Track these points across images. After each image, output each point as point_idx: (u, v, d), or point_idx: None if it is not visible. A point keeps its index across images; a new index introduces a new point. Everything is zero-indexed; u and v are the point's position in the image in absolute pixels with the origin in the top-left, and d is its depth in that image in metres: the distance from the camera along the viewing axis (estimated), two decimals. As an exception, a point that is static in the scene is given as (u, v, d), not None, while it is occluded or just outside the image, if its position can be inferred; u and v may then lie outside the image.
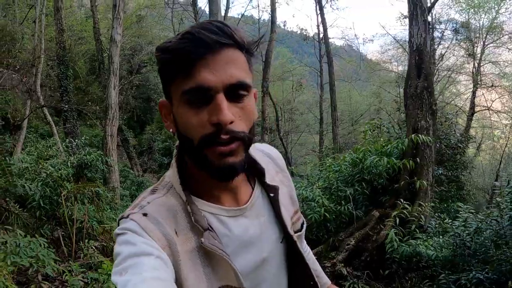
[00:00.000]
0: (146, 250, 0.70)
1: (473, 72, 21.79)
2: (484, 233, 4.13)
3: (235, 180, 0.80)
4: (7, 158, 4.55)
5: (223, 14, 16.72)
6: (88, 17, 22.37)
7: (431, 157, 5.96)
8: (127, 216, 0.77)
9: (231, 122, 0.71)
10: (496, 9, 21.25)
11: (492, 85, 21.37)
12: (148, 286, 0.64)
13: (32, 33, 17.19)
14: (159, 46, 0.75)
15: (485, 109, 21.74)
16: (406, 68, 24.75)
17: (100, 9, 21.97)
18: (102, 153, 6.62)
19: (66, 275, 3.72)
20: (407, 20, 20.18)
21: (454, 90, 25.30)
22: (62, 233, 4.39)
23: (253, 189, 0.91)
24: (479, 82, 21.30)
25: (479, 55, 21.80)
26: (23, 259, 3.39)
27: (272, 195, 0.92)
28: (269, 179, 0.93)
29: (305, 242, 1.11)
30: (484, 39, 22.01)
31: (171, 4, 23.24)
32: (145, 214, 0.77)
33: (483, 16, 21.93)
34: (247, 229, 0.84)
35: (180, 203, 0.81)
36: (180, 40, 0.71)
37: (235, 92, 0.73)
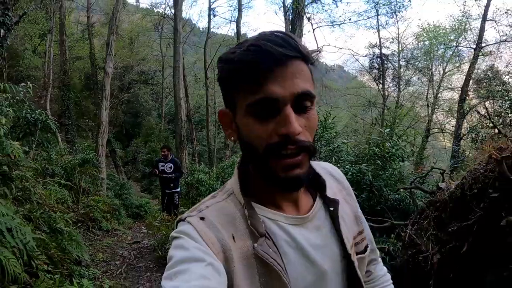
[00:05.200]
0: (198, 256, 0.73)
1: (427, 97, 25.87)
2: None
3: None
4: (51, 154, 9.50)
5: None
6: (85, 38, 25.59)
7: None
8: (185, 219, 0.82)
9: (298, 133, 0.75)
10: (456, 40, 24.57)
11: (449, 109, 25.10)
12: None
13: (33, 49, 20.85)
14: (222, 57, 0.81)
15: (439, 132, 25.14)
16: (376, 92, 28.35)
17: (96, 27, 25.90)
18: (95, 154, 11.64)
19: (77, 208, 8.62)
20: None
21: (422, 114, 28.82)
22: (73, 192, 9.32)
23: (314, 201, 0.94)
24: (436, 106, 25.40)
25: (438, 82, 25.73)
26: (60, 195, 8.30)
27: (331, 209, 0.94)
28: (331, 194, 0.96)
29: (383, 268, 1.16)
30: (444, 67, 26.01)
31: (159, 28, 28.22)
32: (202, 218, 0.81)
33: (441, 47, 25.43)
34: (308, 238, 0.86)
35: (239, 208, 0.85)
36: (245, 51, 0.74)
37: (301, 103, 0.77)
